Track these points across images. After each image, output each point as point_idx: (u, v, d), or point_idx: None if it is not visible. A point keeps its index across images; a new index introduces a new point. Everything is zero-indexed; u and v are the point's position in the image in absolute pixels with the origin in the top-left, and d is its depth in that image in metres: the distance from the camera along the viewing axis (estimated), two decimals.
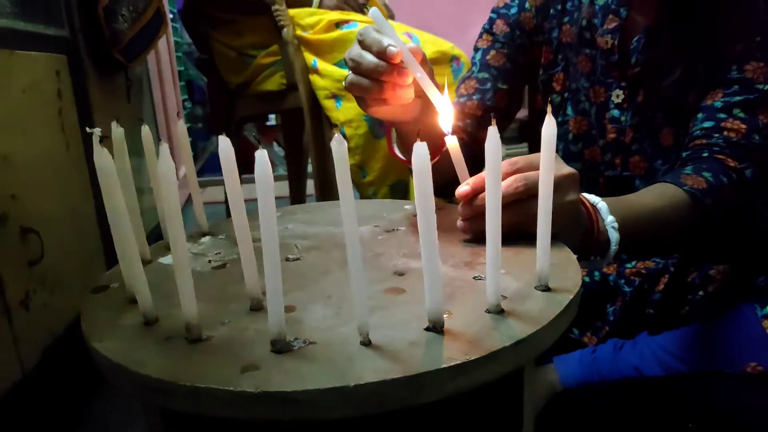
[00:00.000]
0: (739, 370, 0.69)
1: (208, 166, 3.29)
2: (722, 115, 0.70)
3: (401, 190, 1.31)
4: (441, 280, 0.34)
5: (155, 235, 0.56)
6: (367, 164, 1.27)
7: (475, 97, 0.84)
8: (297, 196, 1.91)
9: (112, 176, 0.35)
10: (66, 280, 0.88)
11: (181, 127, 0.52)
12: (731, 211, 0.70)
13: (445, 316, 0.37)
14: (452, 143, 0.52)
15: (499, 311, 0.37)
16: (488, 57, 0.85)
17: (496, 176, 0.36)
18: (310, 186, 1.99)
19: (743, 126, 0.69)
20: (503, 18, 0.85)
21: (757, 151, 0.69)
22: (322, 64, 1.28)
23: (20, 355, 0.74)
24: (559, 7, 0.83)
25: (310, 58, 1.30)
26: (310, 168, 1.64)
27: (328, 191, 1.39)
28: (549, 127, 0.39)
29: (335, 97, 1.26)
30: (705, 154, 0.70)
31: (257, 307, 0.40)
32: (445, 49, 1.45)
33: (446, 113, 0.51)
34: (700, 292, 0.79)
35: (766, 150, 0.70)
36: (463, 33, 0.90)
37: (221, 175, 0.38)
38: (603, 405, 0.76)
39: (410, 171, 0.62)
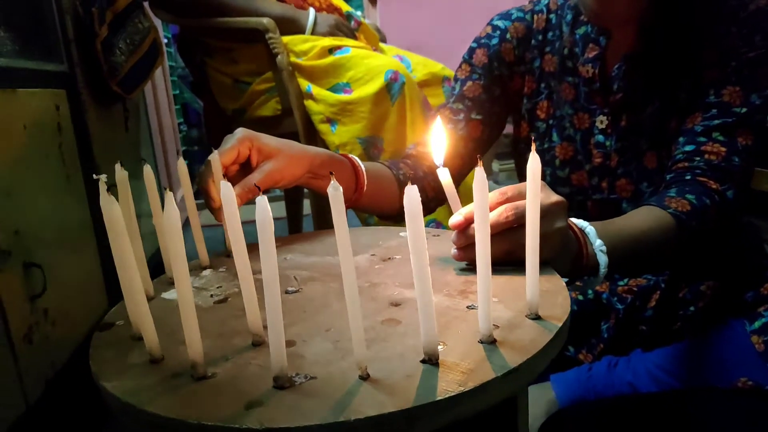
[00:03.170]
0: (731, 386, 0.70)
1: None
2: (702, 139, 0.72)
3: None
4: (434, 314, 0.36)
5: (155, 261, 0.57)
6: None
7: (448, 126, 0.87)
8: (294, 217, 1.93)
9: (119, 223, 0.37)
10: (68, 312, 0.89)
11: (181, 166, 0.54)
12: (716, 229, 0.72)
13: (440, 347, 0.39)
14: (444, 176, 0.54)
15: (491, 341, 0.39)
16: (464, 88, 0.88)
17: (484, 214, 0.37)
18: (307, 206, 2.01)
19: (723, 149, 0.71)
20: (484, 48, 0.87)
21: (738, 173, 0.71)
22: (316, 90, 1.31)
23: (24, 388, 0.75)
24: (540, 37, 0.85)
25: (305, 84, 1.32)
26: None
27: (323, 213, 1.41)
28: (534, 163, 0.41)
29: (330, 121, 1.28)
30: (688, 177, 0.72)
31: (259, 342, 0.41)
32: (436, 71, 1.48)
33: (439, 146, 0.53)
34: (692, 308, 0.81)
35: (745, 171, 0.72)
36: (454, 55, 0.93)
37: None
38: (599, 422, 0.78)
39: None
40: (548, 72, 0.85)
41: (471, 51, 0.89)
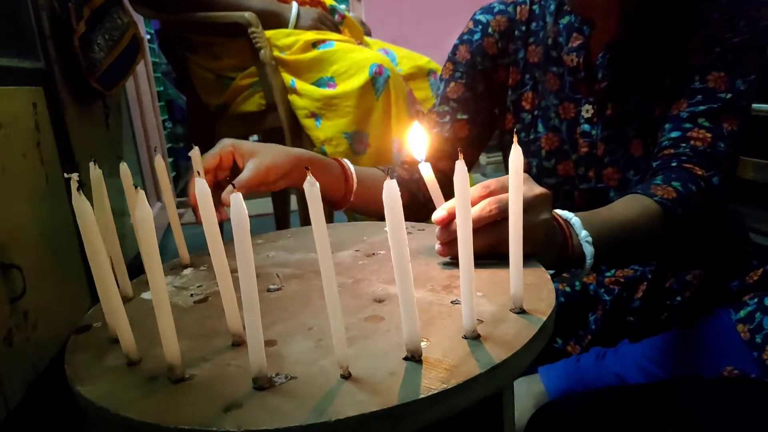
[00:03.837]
0: (717, 375, 0.70)
1: None
2: (688, 125, 0.72)
3: None
4: (417, 311, 0.35)
5: (137, 263, 0.55)
6: None
7: (435, 130, 0.88)
8: (281, 213, 1.92)
9: (91, 222, 0.35)
10: (49, 314, 0.87)
11: (159, 163, 0.53)
12: (702, 216, 0.72)
13: (423, 343, 0.38)
14: (426, 171, 0.53)
15: (475, 336, 0.39)
16: (448, 89, 0.89)
17: (465, 208, 0.37)
18: (293, 201, 1.99)
19: (708, 135, 0.71)
20: (466, 44, 0.88)
21: (723, 159, 0.71)
22: (300, 84, 1.29)
23: (4, 392, 0.74)
24: (524, 28, 0.85)
25: (288, 79, 1.31)
26: None
27: None
28: (515, 156, 0.40)
29: (315, 116, 1.27)
30: (674, 164, 0.72)
31: (239, 343, 0.40)
32: (421, 64, 1.47)
33: (419, 141, 0.52)
34: (678, 298, 0.81)
35: (731, 157, 0.72)
36: (440, 47, 0.92)
37: None
38: (588, 413, 0.78)
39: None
40: (532, 63, 0.85)
41: (454, 48, 0.89)
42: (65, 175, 0.40)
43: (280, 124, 1.33)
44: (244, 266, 0.32)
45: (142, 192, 0.33)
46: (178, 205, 2.63)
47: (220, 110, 1.44)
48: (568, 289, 0.88)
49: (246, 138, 2.85)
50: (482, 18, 0.88)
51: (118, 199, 0.52)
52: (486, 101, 0.88)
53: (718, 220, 0.83)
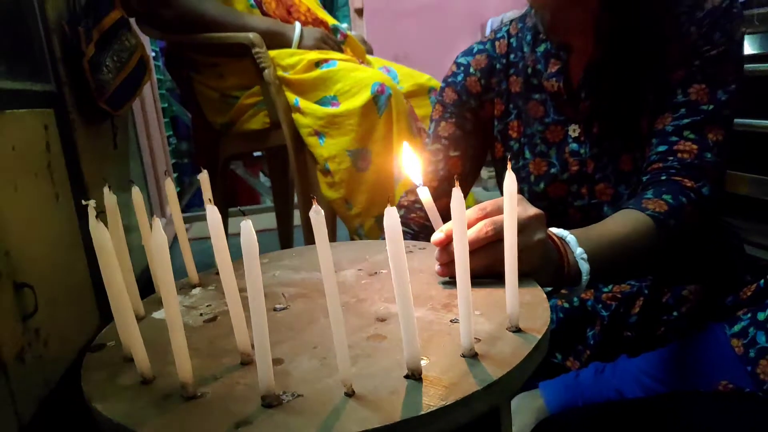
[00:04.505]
0: (713, 389, 0.72)
1: (195, 201, 3.30)
2: (674, 138, 0.75)
3: None
4: (417, 332, 0.37)
5: (146, 277, 0.57)
6: (353, 197, 1.30)
7: (429, 169, 0.91)
8: (284, 229, 1.94)
9: (109, 249, 0.38)
10: (59, 331, 0.89)
11: (169, 186, 0.55)
12: (695, 227, 0.74)
13: (423, 361, 0.40)
14: (424, 195, 0.55)
15: (473, 355, 0.40)
16: (439, 129, 0.92)
17: (461, 232, 0.39)
18: (297, 217, 2.02)
19: (695, 147, 0.74)
20: (451, 86, 0.92)
21: (711, 169, 0.73)
22: (303, 103, 1.32)
23: (17, 408, 0.76)
24: (504, 60, 0.89)
25: (292, 98, 1.34)
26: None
27: None
28: (509, 181, 0.42)
29: (318, 134, 1.30)
30: (663, 177, 0.74)
31: (248, 361, 0.42)
32: (422, 82, 1.50)
33: (416, 163, 0.54)
34: (675, 313, 0.82)
35: (719, 166, 0.74)
36: (441, 65, 0.95)
37: None
38: (588, 428, 0.79)
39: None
40: (515, 93, 0.88)
41: (441, 91, 0.94)
42: (83, 202, 0.42)
43: (284, 142, 1.36)
44: (253, 292, 0.34)
45: (157, 220, 0.35)
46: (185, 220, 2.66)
47: (225, 128, 1.47)
48: (566, 305, 0.90)
49: (251, 155, 2.88)
50: (463, 60, 0.92)
51: (126, 215, 0.54)
52: (475, 138, 0.92)
53: (713, 229, 0.85)
